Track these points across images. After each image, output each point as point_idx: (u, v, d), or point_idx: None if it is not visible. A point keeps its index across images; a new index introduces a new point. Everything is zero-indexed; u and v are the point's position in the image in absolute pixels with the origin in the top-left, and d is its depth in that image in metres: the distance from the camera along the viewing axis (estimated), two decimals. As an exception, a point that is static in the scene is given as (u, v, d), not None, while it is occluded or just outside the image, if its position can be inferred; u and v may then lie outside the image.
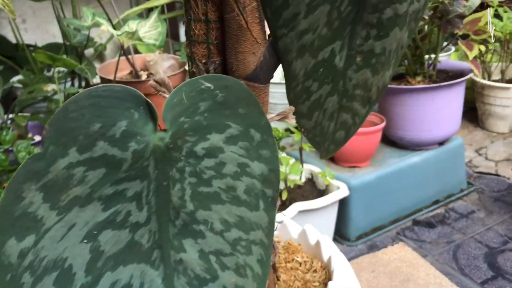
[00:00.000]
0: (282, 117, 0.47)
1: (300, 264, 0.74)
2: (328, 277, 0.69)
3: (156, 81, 0.44)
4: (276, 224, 0.91)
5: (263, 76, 0.46)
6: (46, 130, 0.34)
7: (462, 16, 1.38)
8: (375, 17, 0.48)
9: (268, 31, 0.45)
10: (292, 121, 0.47)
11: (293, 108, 0.47)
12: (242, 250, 0.45)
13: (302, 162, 1.52)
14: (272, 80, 0.49)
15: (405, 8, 0.49)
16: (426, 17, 1.43)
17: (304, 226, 0.77)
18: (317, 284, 0.69)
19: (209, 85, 0.41)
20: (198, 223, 0.44)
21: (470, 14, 2.23)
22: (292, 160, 1.47)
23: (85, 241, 0.37)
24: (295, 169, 1.45)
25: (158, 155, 0.40)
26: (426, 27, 1.57)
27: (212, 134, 0.42)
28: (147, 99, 0.38)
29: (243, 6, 0.43)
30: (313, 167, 1.56)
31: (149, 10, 2.57)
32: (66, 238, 0.36)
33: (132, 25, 1.43)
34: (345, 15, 0.46)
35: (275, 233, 0.80)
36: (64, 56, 2.02)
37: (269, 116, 0.47)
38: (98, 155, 0.36)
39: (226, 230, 0.45)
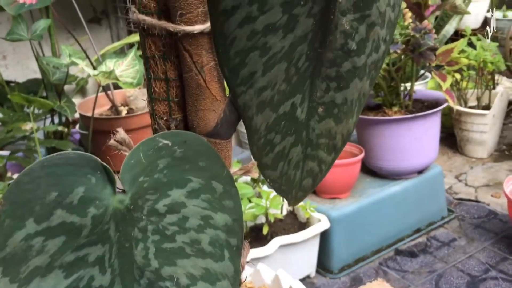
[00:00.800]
0: (245, 171, 0.47)
1: (273, 310, 0.74)
2: (300, 324, 0.69)
3: (117, 141, 0.45)
4: (248, 269, 0.91)
5: (224, 132, 0.46)
6: (1, 204, 0.34)
7: (433, 49, 1.41)
8: (334, 71, 0.49)
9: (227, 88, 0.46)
10: (255, 175, 0.48)
11: (255, 162, 0.48)
12: None
13: (282, 195, 1.52)
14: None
15: (364, 60, 0.51)
16: (399, 50, 1.46)
17: (276, 272, 0.77)
18: (288, 332, 0.69)
19: (166, 142, 0.42)
20: (163, 280, 0.44)
21: (447, 41, 2.28)
22: (273, 194, 1.47)
23: (47, 311, 0.37)
24: (275, 203, 1.45)
25: (119, 217, 0.40)
26: (402, 57, 1.60)
27: (173, 190, 0.43)
28: (104, 164, 0.39)
29: (201, 66, 0.44)
30: (293, 200, 1.56)
31: (131, 45, 2.58)
32: (28, 311, 0.36)
33: (109, 64, 1.44)
34: (303, 71, 0.47)
35: (249, 279, 0.80)
36: (44, 94, 2.02)
37: (231, 171, 0.47)
38: (56, 224, 0.36)
39: (192, 284, 0.45)
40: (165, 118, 0.47)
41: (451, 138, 2.33)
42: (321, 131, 0.54)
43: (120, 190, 0.41)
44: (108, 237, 0.40)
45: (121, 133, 0.45)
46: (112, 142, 0.45)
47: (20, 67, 2.81)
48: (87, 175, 0.38)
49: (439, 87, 1.85)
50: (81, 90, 2.83)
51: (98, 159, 0.38)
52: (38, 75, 2.52)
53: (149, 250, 0.43)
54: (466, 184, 2.02)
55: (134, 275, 0.42)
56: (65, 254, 0.37)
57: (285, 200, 1.52)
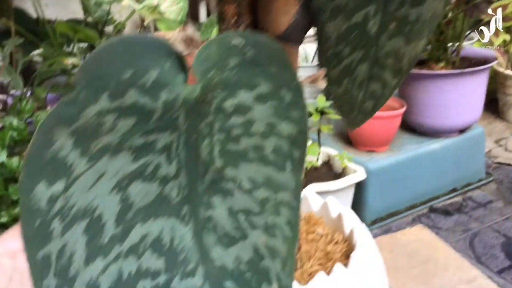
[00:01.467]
0: (313, 80, 0.46)
1: (321, 236, 0.73)
2: (350, 249, 0.69)
3: (184, 40, 0.43)
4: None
5: (294, 37, 0.45)
6: (78, 75, 0.33)
7: (489, 1, 1.35)
8: (412, -19, 0.47)
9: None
10: (321, 85, 0.47)
11: (322, 72, 0.46)
12: (270, 210, 0.44)
13: (320, 144, 1.51)
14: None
15: (443, -26, 0.48)
16: (452, 2, 1.40)
17: (326, 199, 0.76)
18: (339, 255, 0.68)
19: (239, 41, 0.40)
20: (226, 181, 0.43)
21: None
22: (309, 142, 1.46)
23: (115, 191, 0.37)
24: (312, 150, 1.44)
25: (188, 108, 0.39)
26: (451, 12, 1.54)
27: (241, 90, 0.41)
28: (178, 51, 0.37)
29: (278, -38, 0.42)
30: (330, 150, 1.55)
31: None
32: (96, 186, 0.36)
33: (153, 0, 1.42)
34: (382, -24, 0.45)
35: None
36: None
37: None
38: (128, 104, 0.36)
39: (254, 189, 0.44)
40: (233, 20, 0.46)
41: (493, 103, 2.26)
42: (390, 50, 0.52)
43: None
44: (177, 126, 0.39)
45: (189, 30, 0.44)
46: (179, 40, 0.44)
47: (60, 7, 2.81)
48: (162, 58, 0.37)
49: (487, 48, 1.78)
50: (118, 34, 2.82)
51: (173, 45, 0.37)
52: (77, 16, 2.52)
53: (214, 147, 0.42)
54: (506, 149, 1.97)
55: (198, 170, 0.41)
56: (135, 137, 0.37)
57: (321, 150, 1.51)
